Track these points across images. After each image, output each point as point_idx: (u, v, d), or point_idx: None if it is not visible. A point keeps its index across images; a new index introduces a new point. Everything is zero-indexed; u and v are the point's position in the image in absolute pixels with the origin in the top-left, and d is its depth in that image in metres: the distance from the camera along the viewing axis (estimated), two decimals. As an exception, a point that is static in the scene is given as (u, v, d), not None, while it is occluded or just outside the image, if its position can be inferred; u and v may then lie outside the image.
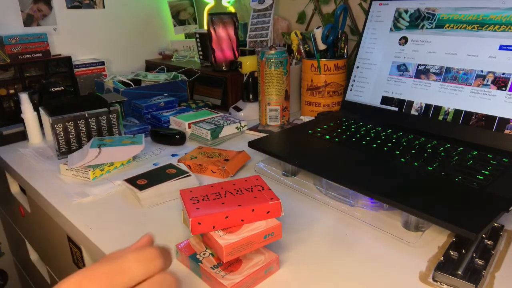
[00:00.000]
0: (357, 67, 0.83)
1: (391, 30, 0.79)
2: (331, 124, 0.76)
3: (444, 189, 0.52)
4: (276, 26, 1.19)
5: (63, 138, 0.75)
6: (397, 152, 0.62)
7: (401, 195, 0.50)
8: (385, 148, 0.64)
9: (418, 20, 0.75)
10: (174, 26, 1.43)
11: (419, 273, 0.43)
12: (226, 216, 0.42)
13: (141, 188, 0.59)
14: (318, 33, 0.88)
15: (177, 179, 0.62)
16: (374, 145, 0.65)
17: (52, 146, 0.82)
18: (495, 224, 0.49)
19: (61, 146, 0.76)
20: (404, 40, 0.76)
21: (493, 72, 0.64)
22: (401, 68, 0.76)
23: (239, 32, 1.17)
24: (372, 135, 0.70)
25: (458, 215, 0.45)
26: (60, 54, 1.15)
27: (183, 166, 0.66)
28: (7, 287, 1.22)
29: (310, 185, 0.62)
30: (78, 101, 0.87)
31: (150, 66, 1.31)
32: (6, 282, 1.22)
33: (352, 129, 0.73)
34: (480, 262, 0.42)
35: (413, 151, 0.62)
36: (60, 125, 0.74)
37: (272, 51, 0.84)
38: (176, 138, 0.82)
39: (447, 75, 0.69)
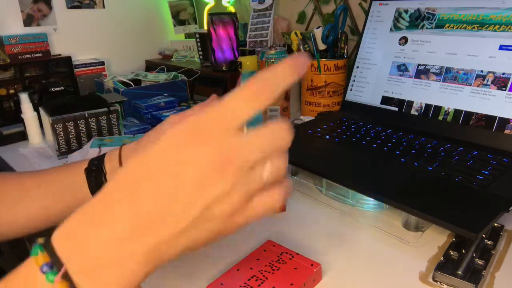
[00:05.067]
0: (357, 67, 0.83)
1: (391, 30, 0.79)
2: (331, 124, 0.76)
3: (444, 189, 0.52)
4: (276, 26, 1.19)
5: (63, 138, 0.75)
6: (397, 152, 0.62)
7: (401, 195, 0.50)
8: (385, 148, 0.64)
9: (418, 20, 0.75)
10: (174, 26, 1.43)
11: (419, 273, 0.43)
12: None
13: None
14: (318, 33, 0.88)
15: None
16: (374, 145, 0.65)
17: (52, 146, 0.82)
18: (495, 224, 0.49)
19: (61, 146, 0.76)
20: (404, 40, 0.76)
21: (493, 72, 0.64)
22: (401, 68, 0.76)
23: (239, 32, 1.17)
24: (372, 135, 0.70)
25: (458, 215, 0.45)
26: (60, 54, 1.15)
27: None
28: (7, 287, 1.22)
29: (310, 185, 0.62)
30: (78, 101, 0.87)
31: (150, 66, 1.31)
32: (6, 282, 1.22)
33: (352, 129, 0.73)
34: (480, 262, 0.42)
35: (413, 151, 0.62)
36: (60, 125, 0.74)
37: (272, 51, 0.84)
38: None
39: (447, 75, 0.69)
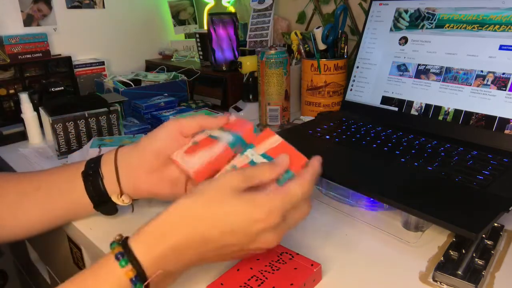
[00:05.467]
0: (357, 67, 0.83)
1: (391, 30, 0.79)
2: (331, 124, 0.76)
3: (444, 189, 0.52)
4: (276, 26, 1.19)
5: (63, 138, 0.75)
6: (397, 152, 0.62)
7: (401, 195, 0.50)
8: (385, 148, 0.64)
9: (418, 20, 0.75)
10: (174, 26, 1.43)
11: (419, 273, 0.43)
12: None
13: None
14: (318, 33, 0.88)
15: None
16: (374, 145, 0.65)
17: (52, 146, 0.82)
18: (495, 224, 0.49)
19: (61, 146, 0.76)
20: (404, 40, 0.76)
21: (493, 72, 0.64)
22: (401, 68, 0.76)
23: (239, 32, 1.17)
24: (372, 135, 0.70)
25: (458, 215, 0.45)
26: (60, 54, 1.15)
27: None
28: (7, 287, 1.22)
29: (310, 185, 0.62)
30: (78, 101, 0.87)
31: (150, 66, 1.31)
32: (6, 282, 1.22)
33: (352, 129, 0.73)
34: (480, 262, 0.42)
35: (413, 151, 0.62)
36: (60, 125, 0.74)
37: (272, 51, 0.84)
38: (176, 138, 0.82)
39: (447, 75, 0.69)
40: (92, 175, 0.50)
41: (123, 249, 0.35)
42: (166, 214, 0.37)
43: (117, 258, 0.35)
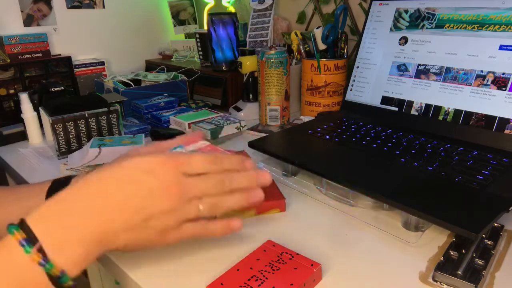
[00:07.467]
0: (357, 67, 0.83)
1: (391, 30, 0.79)
2: (331, 124, 0.76)
3: (444, 189, 0.52)
4: (276, 26, 1.19)
5: (63, 138, 0.75)
6: (397, 152, 0.62)
7: (401, 195, 0.50)
8: (385, 148, 0.64)
9: (418, 20, 0.75)
10: (174, 26, 1.43)
11: (419, 273, 0.43)
12: None
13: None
14: (318, 33, 0.88)
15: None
16: (374, 145, 0.65)
17: (52, 146, 0.82)
18: (495, 224, 0.49)
19: (61, 146, 0.76)
20: (404, 40, 0.76)
21: (493, 72, 0.64)
22: (401, 68, 0.76)
23: (239, 32, 1.17)
24: (372, 135, 0.70)
25: (458, 215, 0.45)
26: (60, 54, 1.15)
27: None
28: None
29: (310, 185, 0.62)
30: (78, 101, 0.87)
31: (150, 66, 1.31)
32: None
33: (352, 129, 0.73)
34: (480, 262, 0.42)
35: (413, 151, 0.62)
36: (60, 125, 0.74)
37: (272, 51, 0.84)
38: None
39: (447, 75, 0.69)
40: (62, 180, 0.49)
41: (26, 235, 0.32)
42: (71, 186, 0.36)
43: (22, 245, 0.32)
